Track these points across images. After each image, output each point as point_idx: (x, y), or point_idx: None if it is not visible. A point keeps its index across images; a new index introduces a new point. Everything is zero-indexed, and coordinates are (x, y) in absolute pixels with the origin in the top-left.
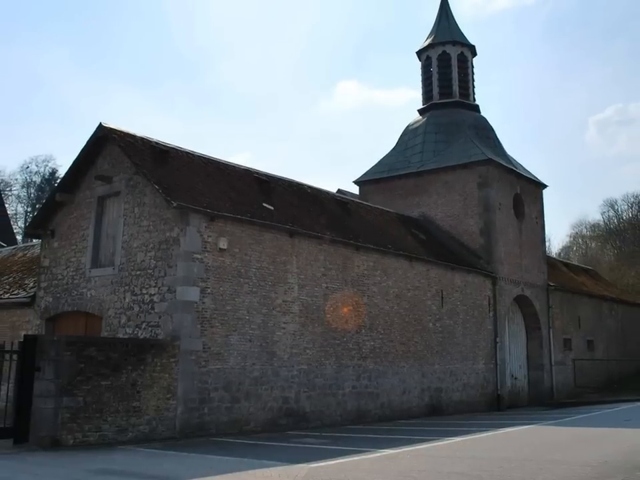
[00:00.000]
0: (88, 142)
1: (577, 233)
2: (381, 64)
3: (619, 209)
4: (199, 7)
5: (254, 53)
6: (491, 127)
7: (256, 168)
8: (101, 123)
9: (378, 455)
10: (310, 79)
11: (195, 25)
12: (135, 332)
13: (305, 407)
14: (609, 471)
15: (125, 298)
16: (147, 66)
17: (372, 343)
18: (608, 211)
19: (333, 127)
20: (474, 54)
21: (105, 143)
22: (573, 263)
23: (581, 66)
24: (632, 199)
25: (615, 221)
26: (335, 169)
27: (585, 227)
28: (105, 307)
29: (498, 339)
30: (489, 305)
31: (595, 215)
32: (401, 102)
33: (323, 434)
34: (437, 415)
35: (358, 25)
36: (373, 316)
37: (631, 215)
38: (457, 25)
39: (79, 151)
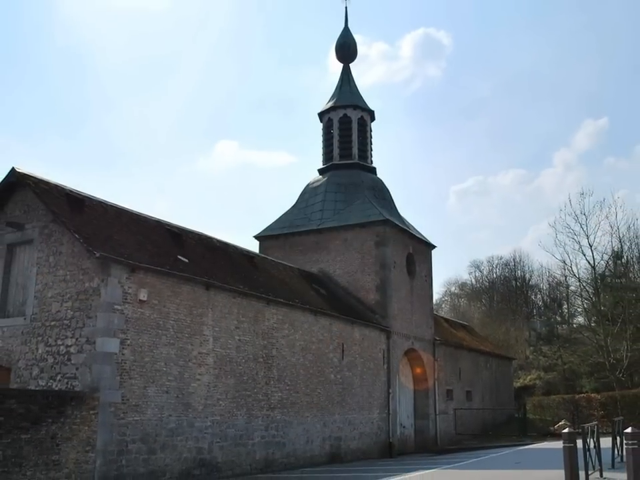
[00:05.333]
0: None
1: (446, 290)
2: (260, 128)
3: (485, 269)
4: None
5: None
6: (387, 188)
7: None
8: (13, 168)
9: None
10: (190, 138)
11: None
12: (49, 384)
13: (217, 457)
14: None
15: (37, 349)
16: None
17: (280, 394)
18: (475, 271)
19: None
20: (373, 118)
21: (16, 188)
22: (453, 319)
23: (445, 142)
24: (496, 261)
25: (482, 280)
26: (219, 222)
27: (455, 286)
28: (14, 358)
29: (390, 390)
30: (384, 357)
31: (464, 275)
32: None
33: None
34: (336, 462)
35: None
36: (281, 368)
37: (495, 276)
38: (358, 90)
39: None
